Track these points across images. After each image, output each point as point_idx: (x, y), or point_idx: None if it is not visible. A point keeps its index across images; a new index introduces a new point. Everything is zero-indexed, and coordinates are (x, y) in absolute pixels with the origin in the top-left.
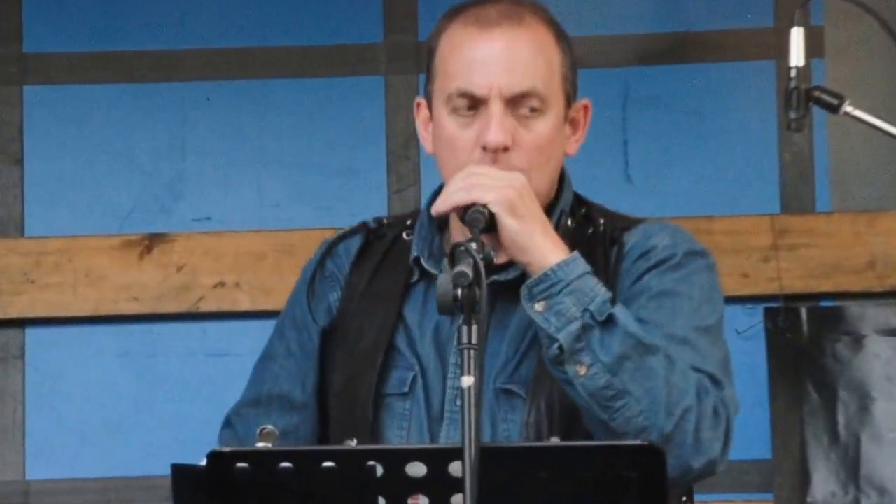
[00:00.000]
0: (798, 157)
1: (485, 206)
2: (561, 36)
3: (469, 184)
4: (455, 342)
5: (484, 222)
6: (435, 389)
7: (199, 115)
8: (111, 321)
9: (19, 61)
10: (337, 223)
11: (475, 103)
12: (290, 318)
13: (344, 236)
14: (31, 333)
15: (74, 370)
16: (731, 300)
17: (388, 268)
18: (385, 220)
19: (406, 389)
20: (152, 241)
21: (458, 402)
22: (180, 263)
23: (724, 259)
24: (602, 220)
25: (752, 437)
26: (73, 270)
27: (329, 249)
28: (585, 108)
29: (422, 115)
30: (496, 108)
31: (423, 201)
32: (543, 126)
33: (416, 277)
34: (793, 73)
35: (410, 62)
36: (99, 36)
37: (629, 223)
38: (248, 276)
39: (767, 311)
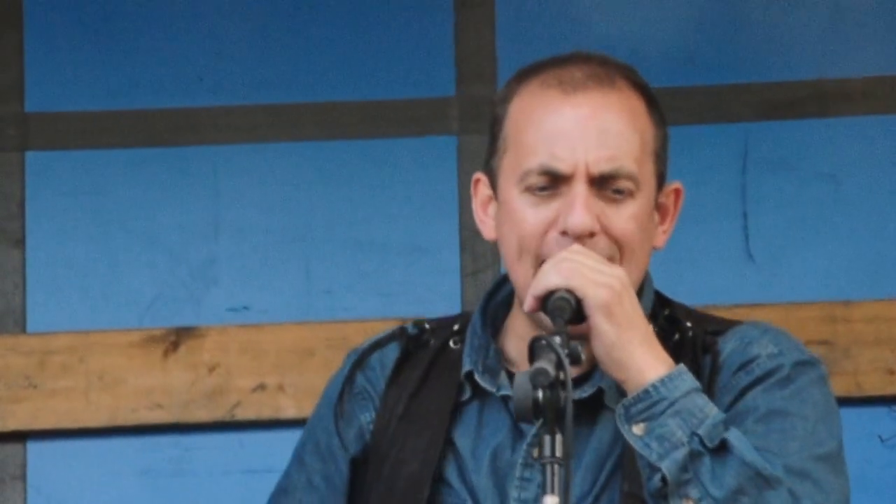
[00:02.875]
0: None
1: (570, 291)
2: (654, 104)
3: (566, 270)
4: (517, 473)
5: (570, 312)
6: None
7: (233, 185)
8: (130, 433)
9: (20, 122)
10: (400, 312)
11: (555, 181)
12: (313, 444)
13: (377, 345)
14: (35, 449)
15: (86, 492)
16: (873, 402)
17: (434, 383)
18: (427, 325)
19: None
20: (179, 337)
21: None
22: (212, 363)
23: (864, 353)
24: (689, 324)
25: None
26: (84, 373)
27: (360, 361)
28: (676, 192)
29: (480, 194)
30: (580, 187)
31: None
32: (634, 211)
33: (467, 396)
34: None
35: (488, 120)
36: (113, 92)
37: (722, 327)
38: (293, 377)
39: None
